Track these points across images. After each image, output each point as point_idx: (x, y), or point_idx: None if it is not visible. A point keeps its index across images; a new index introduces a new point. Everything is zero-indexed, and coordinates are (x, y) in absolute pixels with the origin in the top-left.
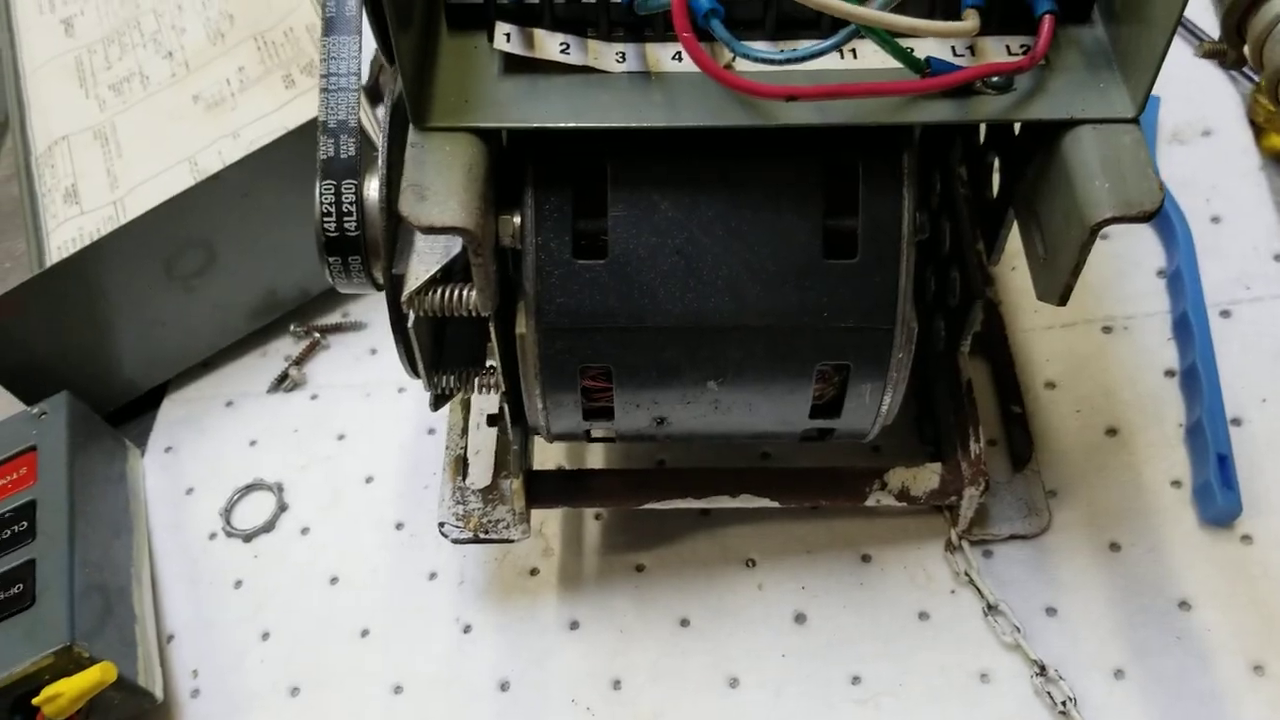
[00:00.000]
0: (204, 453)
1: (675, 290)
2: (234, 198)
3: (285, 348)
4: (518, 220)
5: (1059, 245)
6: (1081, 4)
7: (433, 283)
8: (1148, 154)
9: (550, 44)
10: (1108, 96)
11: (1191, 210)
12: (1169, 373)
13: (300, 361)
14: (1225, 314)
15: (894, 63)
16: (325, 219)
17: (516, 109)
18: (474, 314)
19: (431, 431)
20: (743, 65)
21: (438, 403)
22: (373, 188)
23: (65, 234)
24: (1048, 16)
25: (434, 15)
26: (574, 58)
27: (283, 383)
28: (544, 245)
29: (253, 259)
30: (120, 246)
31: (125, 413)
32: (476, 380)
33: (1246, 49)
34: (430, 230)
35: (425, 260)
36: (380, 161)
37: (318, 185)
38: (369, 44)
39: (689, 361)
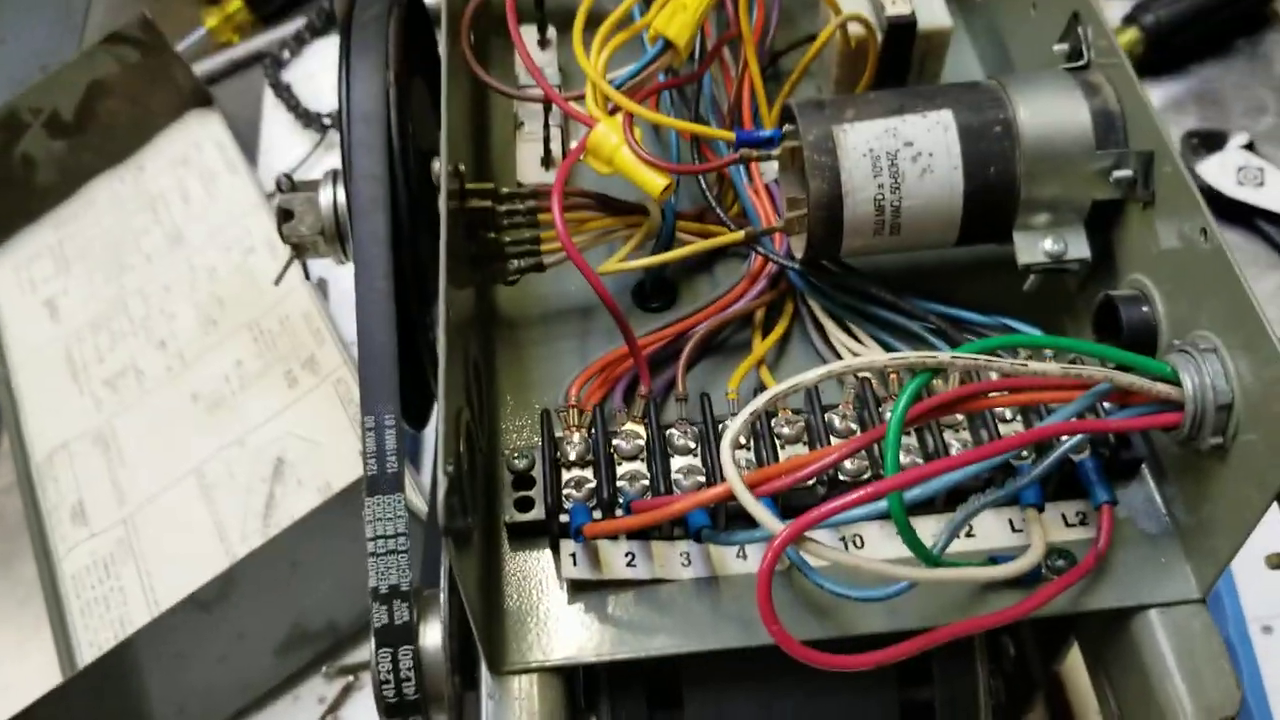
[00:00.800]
0: None
1: None
2: (260, 570)
3: (316, 689)
4: None
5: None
6: (1129, 465)
7: None
8: (1220, 642)
9: (616, 559)
10: (1172, 576)
11: None
12: None
13: (336, 706)
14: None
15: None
16: (384, 686)
17: (591, 640)
18: None
19: None
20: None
21: None
22: (430, 638)
23: (78, 560)
24: (1107, 507)
25: (493, 532)
26: (640, 570)
27: None
28: None
29: (278, 596)
30: (147, 639)
31: None
32: None
33: None
34: None
35: None
36: (442, 610)
37: (374, 652)
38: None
39: None
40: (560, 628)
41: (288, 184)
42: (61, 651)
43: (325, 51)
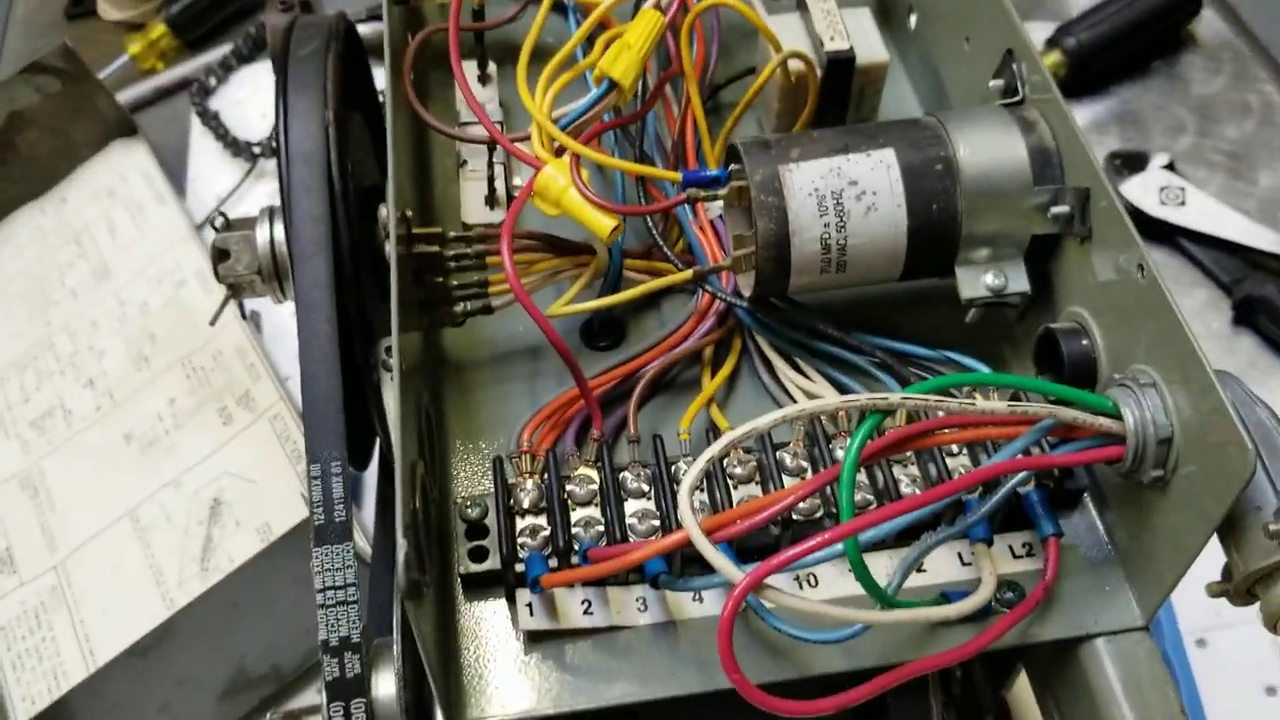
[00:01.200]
0: None
1: None
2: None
3: None
4: None
5: None
6: (1072, 495)
7: None
8: (1163, 668)
9: (573, 608)
10: (1116, 604)
11: None
12: None
13: None
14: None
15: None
16: None
17: (550, 690)
18: None
19: None
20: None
21: None
22: (383, 688)
23: (7, 610)
24: (1053, 540)
25: (447, 583)
26: (598, 618)
27: None
28: None
29: (217, 641)
30: (84, 692)
31: None
32: None
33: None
34: None
35: None
36: (395, 661)
37: (325, 708)
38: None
39: None
40: (518, 679)
41: (223, 222)
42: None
43: (253, 78)
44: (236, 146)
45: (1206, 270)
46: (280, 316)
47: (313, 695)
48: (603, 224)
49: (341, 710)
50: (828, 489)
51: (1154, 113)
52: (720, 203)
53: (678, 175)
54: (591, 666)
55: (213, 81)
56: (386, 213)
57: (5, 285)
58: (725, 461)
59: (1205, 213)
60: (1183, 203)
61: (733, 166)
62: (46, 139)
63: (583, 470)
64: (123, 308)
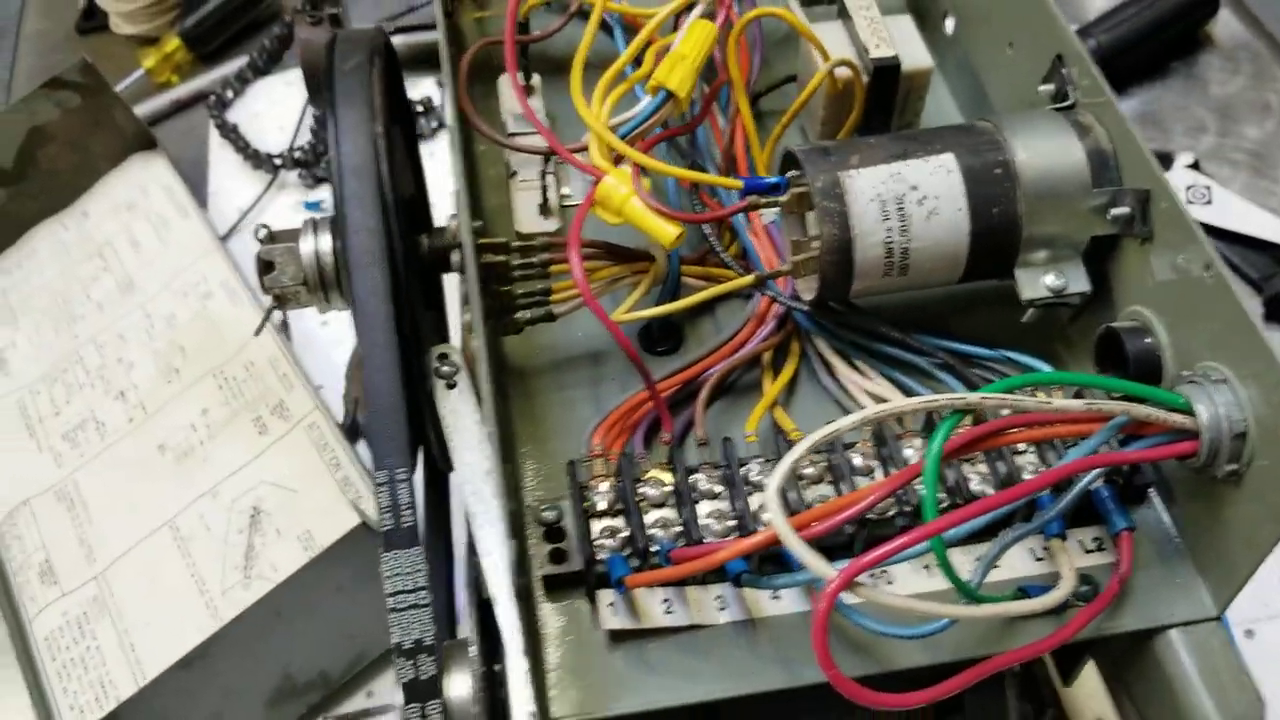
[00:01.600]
0: None
1: None
2: (244, 625)
3: None
4: None
5: None
6: (1139, 490)
7: None
8: (1238, 657)
9: (654, 607)
10: (1189, 595)
11: None
12: None
13: None
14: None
15: None
16: None
17: (635, 690)
18: None
19: None
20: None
21: None
22: (456, 690)
23: (50, 621)
24: (1126, 534)
25: (528, 585)
26: (678, 617)
27: None
28: None
29: (263, 649)
30: (132, 705)
31: None
32: None
33: None
34: None
35: None
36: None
37: (402, 710)
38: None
39: None
40: (603, 678)
41: (266, 234)
42: (41, 716)
43: (268, 91)
44: (258, 159)
45: (1235, 267)
46: (309, 326)
47: (361, 700)
48: (666, 231)
49: (418, 712)
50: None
51: (1174, 113)
52: (772, 210)
53: (739, 183)
54: (674, 664)
55: (229, 95)
56: (458, 223)
57: (29, 299)
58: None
59: (1232, 211)
60: (1209, 201)
61: (791, 173)
62: (66, 154)
63: (654, 473)
64: (149, 320)
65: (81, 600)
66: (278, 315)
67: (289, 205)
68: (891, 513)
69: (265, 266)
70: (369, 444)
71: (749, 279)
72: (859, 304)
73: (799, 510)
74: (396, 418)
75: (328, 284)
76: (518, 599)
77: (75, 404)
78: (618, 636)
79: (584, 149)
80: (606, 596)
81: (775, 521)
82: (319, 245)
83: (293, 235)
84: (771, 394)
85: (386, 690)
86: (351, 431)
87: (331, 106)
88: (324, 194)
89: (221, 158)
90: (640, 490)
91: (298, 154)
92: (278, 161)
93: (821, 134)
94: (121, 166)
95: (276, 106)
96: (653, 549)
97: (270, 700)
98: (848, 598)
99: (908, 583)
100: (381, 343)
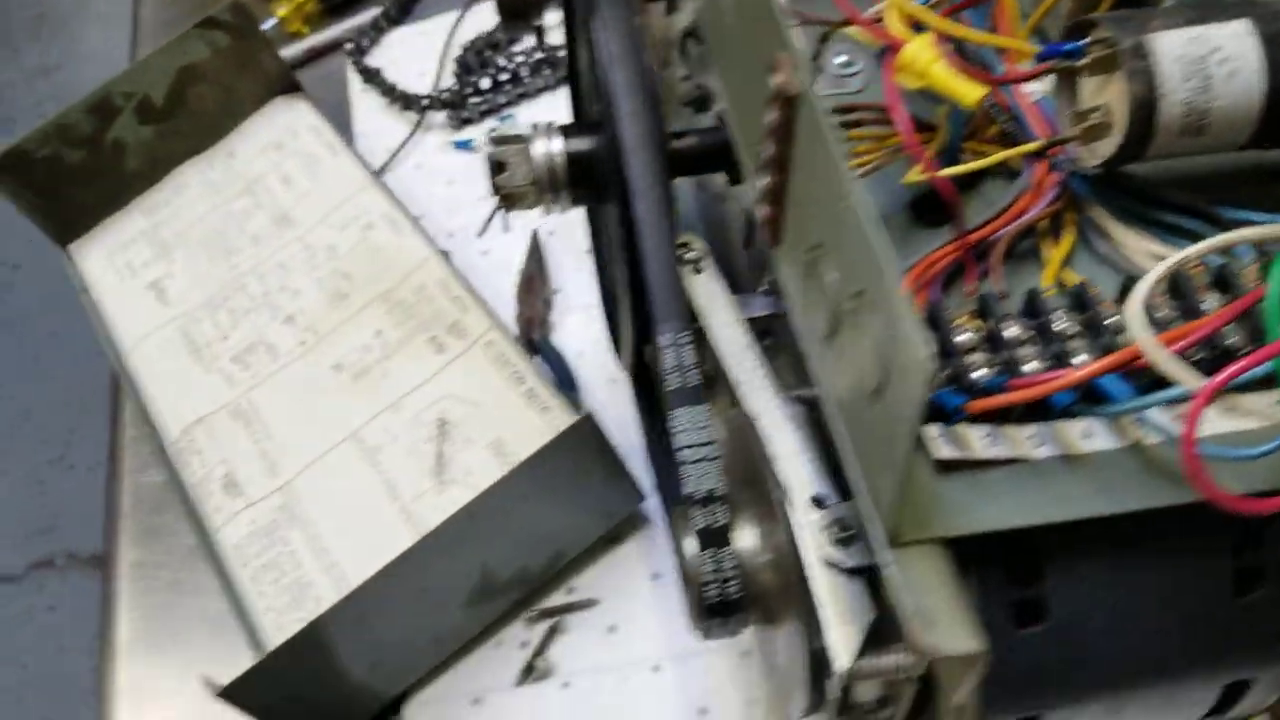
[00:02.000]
0: None
1: (1109, 650)
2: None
3: (517, 635)
4: None
5: None
6: None
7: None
8: None
9: (976, 441)
10: None
11: None
12: None
13: (542, 650)
14: None
15: None
16: (706, 588)
17: (971, 513)
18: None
19: (704, 712)
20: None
21: None
22: (747, 540)
23: (238, 530)
24: None
25: None
26: (1001, 449)
27: (530, 674)
28: (989, 621)
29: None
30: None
31: None
32: None
33: None
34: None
35: (843, 625)
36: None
37: (696, 555)
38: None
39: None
40: (942, 507)
41: (498, 135)
42: (243, 620)
43: (401, 40)
44: (406, 100)
45: None
46: (470, 255)
47: (560, 597)
48: (972, 91)
49: (712, 556)
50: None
51: None
52: (1037, 86)
53: (1035, 49)
54: (1002, 492)
55: (365, 43)
56: (790, 78)
57: (183, 234)
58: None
59: None
60: None
61: (1090, 38)
62: (214, 94)
63: (961, 321)
64: (309, 251)
65: (269, 509)
66: (503, 222)
67: (436, 146)
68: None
69: (497, 167)
70: (653, 309)
71: (1038, 144)
72: (1141, 173)
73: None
74: (674, 285)
75: (557, 184)
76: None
77: (242, 329)
78: (946, 467)
79: (879, 19)
80: (932, 430)
81: (1140, 337)
82: (551, 147)
83: (518, 139)
84: (1061, 251)
85: (586, 585)
86: (527, 349)
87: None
88: (472, 133)
89: (364, 102)
90: (955, 339)
91: (445, 95)
92: (425, 103)
93: (1071, 11)
94: (265, 109)
95: (413, 53)
96: (982, 383)
97: (469, 599)
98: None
99: (1214, 424)
100: (656, 214)
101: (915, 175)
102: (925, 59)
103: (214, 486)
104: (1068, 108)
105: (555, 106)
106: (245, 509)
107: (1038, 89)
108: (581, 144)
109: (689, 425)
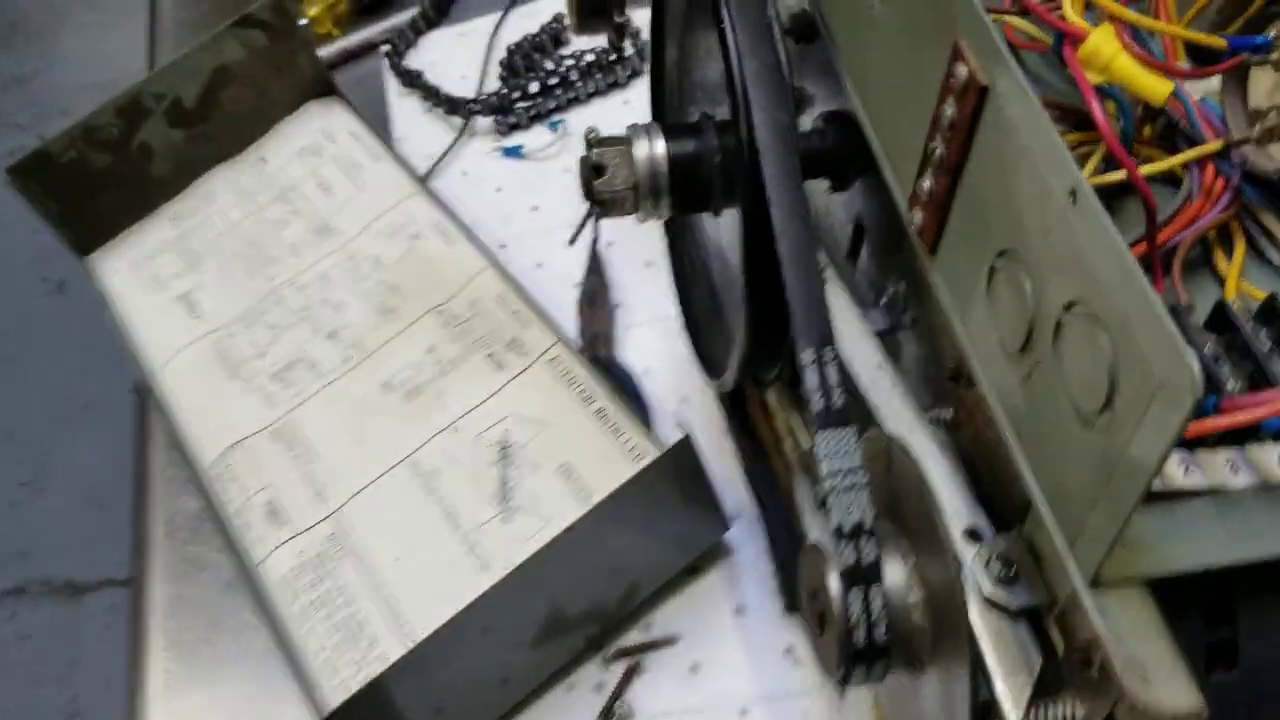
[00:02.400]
0: None
1: None
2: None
3: (592, 676)
4: None
5: None
6: None
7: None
8: None
9: (1172, 468)
10: None
11: None
12: None
13: (620, 693)
14: None
15: None
16: (853, 630)
17: (1175, 549)
18: None
19: None
20: None
21: None
22: (894, 577)
23: (284, 562)
24: None
25: None
26: (1195, 479)
27: (607, 719)
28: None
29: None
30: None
31: None
32: None
33: None
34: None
35: (1011, 675)
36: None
37: (843, 593)
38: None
39: None
40: (1146, 544)
41: (596, 137)
42: (290, 659)
43: (441, 42)
44: (452, 104)
45: None
46: (523, 266)
47: (635, 636)
48: (1157, 86)
49: (860, 595)
50: None
51: None
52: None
53: (1223, 42)
54: (1205, 526)
55: (403, 45)
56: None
57: (213, 244)
58: None
59: None
60: None
61: (1275, 32)
62: (247, 96)
63: None
64: (353, 262)
65: (317, 539)
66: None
67: (481, 152)
68: None
69: (595, 171)
70: (793, 324)
71: (1216, 144)
72: None
73: None
74: (818, 302)
75: (659, 189)
76: None
77: (282, 345)
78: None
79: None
80: None
81: None
82: (654, 150)
83: (618, 141)
84: (1237, 261)
85: (665, 621)
86: (591, 365)
87: None
88: (519, 139)
89: (404, 105)
90: None
91: (492, 99)
92: (476, 108)
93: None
94: (298, 113)
95: (453, 56)
96: None
97: (536, 638)
98: None
99: None
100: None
101: (1111, 175)
102: (1109, 51)
103: (255, 515)
104: (1239, 107)
105: (606, 112)
106: (291, 539)
107: (1200, 89)
108: (685, 146)
109: (835, 450)
